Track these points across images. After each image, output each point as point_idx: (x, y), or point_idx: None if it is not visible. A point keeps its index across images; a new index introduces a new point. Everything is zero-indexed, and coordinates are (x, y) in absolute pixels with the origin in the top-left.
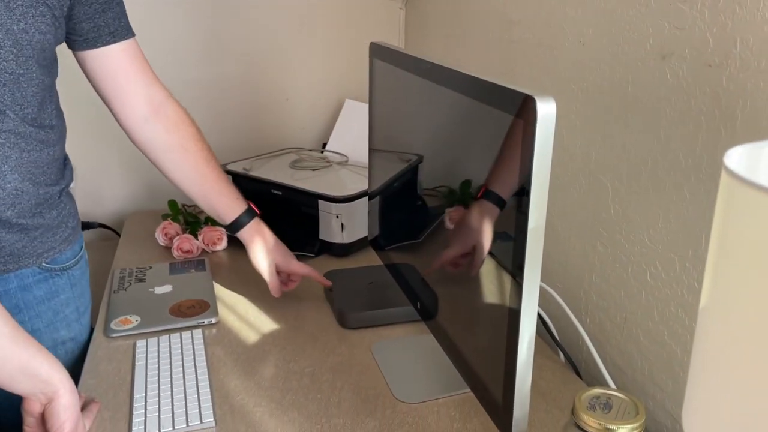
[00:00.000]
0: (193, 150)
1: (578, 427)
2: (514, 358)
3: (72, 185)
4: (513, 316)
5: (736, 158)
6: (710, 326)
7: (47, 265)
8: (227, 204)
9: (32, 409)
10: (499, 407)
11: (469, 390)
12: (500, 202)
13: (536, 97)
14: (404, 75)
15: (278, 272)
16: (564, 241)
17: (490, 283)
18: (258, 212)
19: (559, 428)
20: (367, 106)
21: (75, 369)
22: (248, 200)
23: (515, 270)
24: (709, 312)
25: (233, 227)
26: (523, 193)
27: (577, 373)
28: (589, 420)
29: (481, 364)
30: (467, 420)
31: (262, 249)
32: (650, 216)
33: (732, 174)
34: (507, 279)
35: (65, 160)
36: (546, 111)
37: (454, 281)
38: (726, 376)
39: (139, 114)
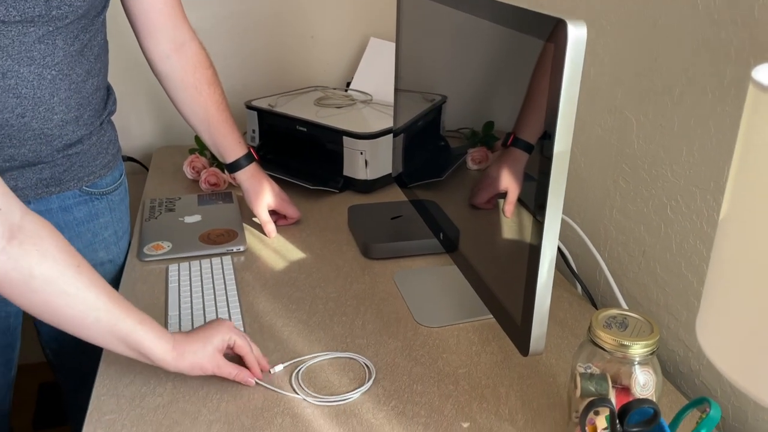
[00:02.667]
0: (205, 92)
1: (594, 343)
2: (535, 279)
3: (114, 114)
4: (536, 234)
5: (765, 73)
6: (729, 236)
7: (87, 189)
8: (229, 145)
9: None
10: (518, 327)
11: (488, 316)
12: (527, 139)
13: (568, 21)
14: (433, 6)
15: (272, 213)
16: (585, 177)
17: (514, 212)
18: (257, 158)
19: (574, 353)
20: (391, 44)
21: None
22: (249, 146)
23: (539, 193)
24: (728, 223)
25: (232, 167)
26: (551, 119)
27: (593, 305)
28: (604, 336)
29: (502, 288)
30: (485, 343)
31: (257, 191)
32: (674, 150)
33: (759, 86)
34: (531, 203)
35: (108, 89)
36: (577, 34)
37: (478, 212)
38: (742, 287)
39: (162, 50)
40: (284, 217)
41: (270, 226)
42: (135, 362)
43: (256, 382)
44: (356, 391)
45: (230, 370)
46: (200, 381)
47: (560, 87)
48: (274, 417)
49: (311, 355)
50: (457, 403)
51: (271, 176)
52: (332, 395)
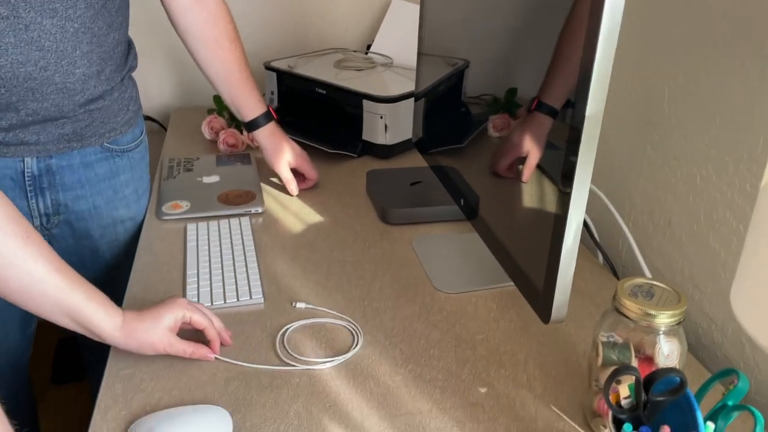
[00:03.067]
0: (226, 47)
1: (618, 312)
2: (559, 246)
3: (135, 70)
4: (563, 201)
5: None
6: None
7: (108, 146)
8: (248, 103)
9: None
10: (540, 294)
11: (507, 284)
12: (552, 104)
13: None
14: None
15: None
16: (613, 145)
17: (539, 179)
18: (275, 117)
19: (594, 322)
20: (414, 6)
21: (132, 246)
22: (269, 105)
23: (568, 159)
24: None
25: (250, 126)
26: (584, 79)
27: (615, 275)
28: (630, 305)
29: (524, 255)
30: (504, 311)
31: (277, 149)
32: (707, 118)
33: None
34: (557, 169)
35: (129, 44)
36: None
37: (500, 179)
38: None
39: (182, 2)
40: (303, 179)
41: (293, 184)
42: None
43: (216, 358)
44: (351, 352)
45: (184, 347)
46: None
47: (596, 42)
48: (291, 376)
49: (325, 319)
50: (474, 368)
51: (294, 140)
52: (342, 355)
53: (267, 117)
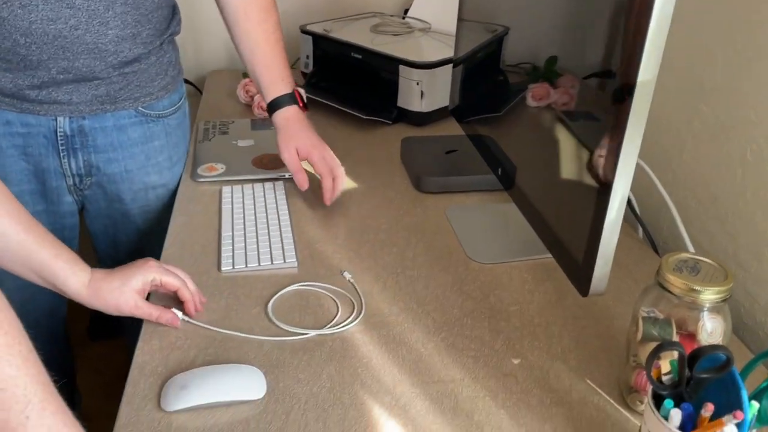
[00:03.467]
0: (254, 18)
1: (662, 287)
2: (602, 218)
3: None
4: (609, 170)
5: None
6: None
7: (143, 110)
8: (271, 80)
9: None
10: (579, 267)
11: (543, 256)
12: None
13: None
14: None
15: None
16: (657, 115)
17: (584, 145)
18: (301, 104)
19: (632, 297)
20: None
21: (164, 213)
22: (296, 89)
23: (617, 125)
24: None
25: (271, 107)
26: (638, 41)
27: (655, 250)
28: (674, 280)
29: (564, 225)
30: (539, 283)
31: (289, 134)
32: (762, 88)
33: None
34: (605, 135)
35: (173, 9)
36: None
37: (540, 149)
38: None
39: None
40: (330, 185)
41: (301, 175)
42: (192, 279)
43: (188, 321)
44: (382, 317)
45: (150, 311)
46: (252, 301)
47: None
48: (324, 340)
49: (357, 285)
50: (507, 339)
51: (324, 104)
52: (378, 320)
53: (290, 99)
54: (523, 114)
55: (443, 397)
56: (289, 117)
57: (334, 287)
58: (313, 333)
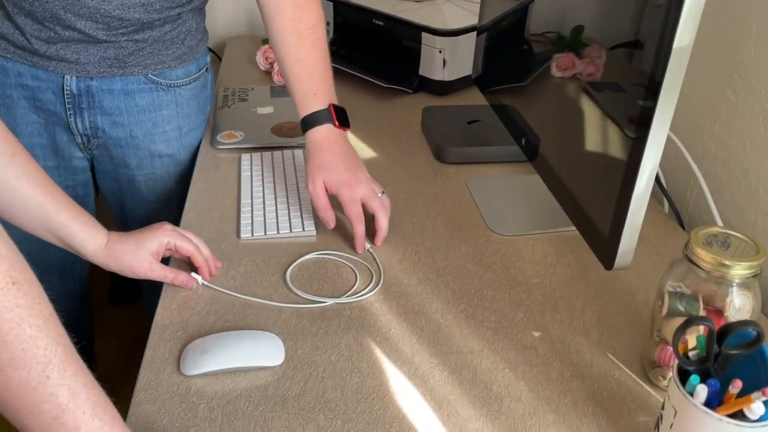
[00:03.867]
0: (287, 17)
1: (690, 261)
2: (630, 190)
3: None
4: (639, 141)
5: None
6: None
7: (153, 77)
8: (302, 93)
9: None
10: (605, 240)
11: (565, 229)
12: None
13: None
14: None
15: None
16: (688, 86)
17: (612, 115)
18: (337, 122)
19: (656, 272)
20: None
21: (167, 181)
22: (332, 104)
23: (649, 94)
24: None
25: (303, 126)
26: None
27: (681, 225)
28: (703, 254)
29: (589, 197)
30: (561, 256)
31: (315, 163)
32: None
33: None
34: (635, 104)
35: None
36: None
37: (565, 119)
38: None
39: None
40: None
41: (326, 214)
42: (211, 247)
43: (208, 286)
44: (401, 287)
45: (164, 272)
46: (271, 269)
47: None
48: (343, 308)
49: (376, 255)
50: (528, 312)
51: (344, 72)
52: (397, 290)
53: (324, 117)
54: (548, 84)
55: (462, 368)
56: (320, 140)
57: (353, 256)
58: (330, 302)
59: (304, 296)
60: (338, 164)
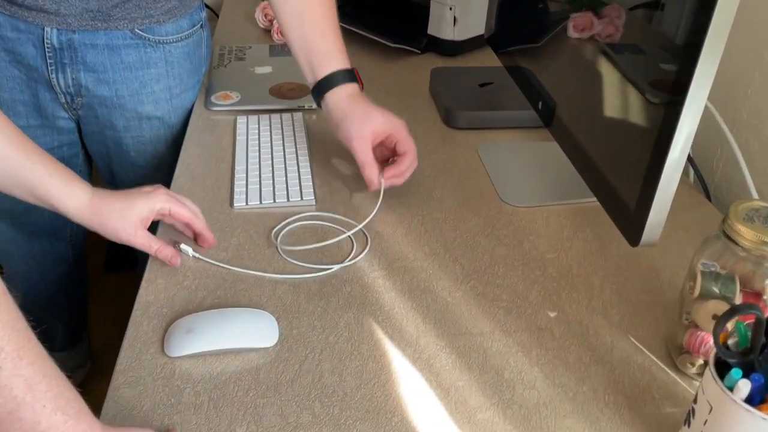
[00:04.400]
0: None
1: (728, 238)
2: (662, 159)
3: None
4: (673, 107)
5: None
6: None
7: (140, 33)
8: (326, 51)
9: None
10: (631, 213)
11: (583, 200)
12: None
13: None
14: None
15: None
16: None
17: (641, 76)
18: (361, 82)
19: (681, 247)
20: None
21: (157, 145)
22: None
23: (688, 54)
24: None
25: (323, 85)
26: None
27: (707, 196)
28: (744, 231)
29: (614, 167)
30: (578, 229)
31: (359, 116)
32: None
33: None
34: (670, 64)
35: None
36: None
37: (589, 81)
38: None
39: None
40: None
41: (374, 170)
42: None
43: (199, 257)
44: (404, 261)
45: (150, 242)
46: (266, 240)
47: None
48: (342, 284)
49: (378, 226)
50: (543, 290)
51: (348, 31)
52: (401, 265)
53: (350, 76)
54: (564, 45)
55: (471, 351)
56: (351, 96)
57: (354, 225)
58: (334, 268)
59: (300, 264)
60: (379, 111)
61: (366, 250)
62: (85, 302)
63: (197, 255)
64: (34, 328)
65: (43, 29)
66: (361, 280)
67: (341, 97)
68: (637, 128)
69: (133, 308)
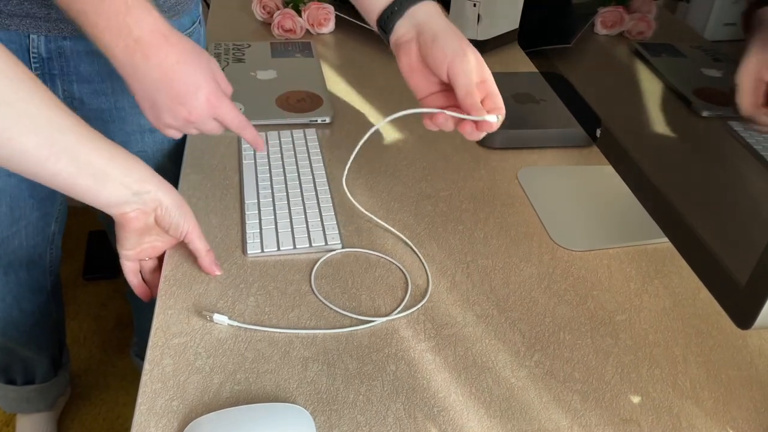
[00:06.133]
0: None
1: None
2: None
3: None
4: None
5: None
6: None
7: None
8: None
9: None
10: (738, 287)
11: (648, 242)
12: None
13: None
14: None
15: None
16: None
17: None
18: None
19: None
20: None
21: (160, 160)
22: None
23: None
24: None
25: (399, 5)
26: None
27: None
28: None
29: (708, 212)
30: (646, 281)
31: (456, 35)
32: None
33: None
34: None
35: None
36: None
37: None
38: None
39: None
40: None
41: (476, 100)
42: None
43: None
44: (454, 329)
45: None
46: (289, 297)
47: None
48: (386, 364)
49: (419, 279)
50: (619, 365)
51: (361, 28)
52: (452, 332)
53: None
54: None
55: None
56: (440, 13)
57: (391, 275)
58: (375, 322)
59: (343, 313)
60: (472, 49)
61: (414, 309)
62: (64, 327)
63: (231, 321)
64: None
65: (29, 37)
66: (407, 354)
67: (429, 12)
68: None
69: (137, 402)
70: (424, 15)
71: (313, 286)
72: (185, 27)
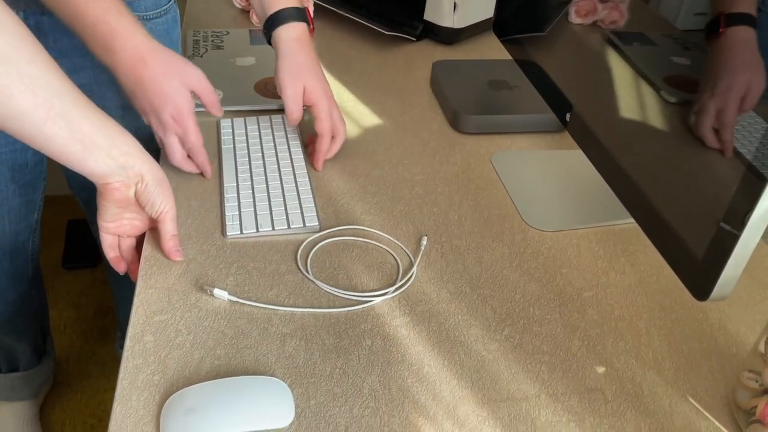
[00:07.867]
0: None
1: None
2: (755, 197)
3: None
4: None
5: None
6: None
7: None
8: None
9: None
10: (697, 261)
11: (615, 222)
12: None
13: None
14: None
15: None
16: None
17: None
18: (311, 23)
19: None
20: None
21: (148, 145)
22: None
23: None
24: None
25: (272, 22)
26: None
27: None
28: None
29: (670, 193)
30: (613, 259)
31: (296, 67)
32: None
33: None
34: None
35: None
36: None
37: (626, 81)
38: None
39: None
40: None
41: (297, 114)
42: (192, 249)
43: (236, 300)
44: (428, 305)
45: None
46: (268, 276)
47: None
48: (361, 339)
49: (392, 258)
50: (586, 337)
51: (337, 15)
52: (426, 309)
53: (299, 14)
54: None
55: (517, 421)
56: (300, 39)
57: (382, 247)
58: (379, 299)
59: (308, 310)
60: (317, 75)
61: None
62: (47, 315)
63: (233, 298)
64: None
65: None
66: (382, 329)
67: (287, 38)
68: (718, 158)
69: (119, 376)
70: (279, 40)
71: (299, 264)
72: (162, 3)
